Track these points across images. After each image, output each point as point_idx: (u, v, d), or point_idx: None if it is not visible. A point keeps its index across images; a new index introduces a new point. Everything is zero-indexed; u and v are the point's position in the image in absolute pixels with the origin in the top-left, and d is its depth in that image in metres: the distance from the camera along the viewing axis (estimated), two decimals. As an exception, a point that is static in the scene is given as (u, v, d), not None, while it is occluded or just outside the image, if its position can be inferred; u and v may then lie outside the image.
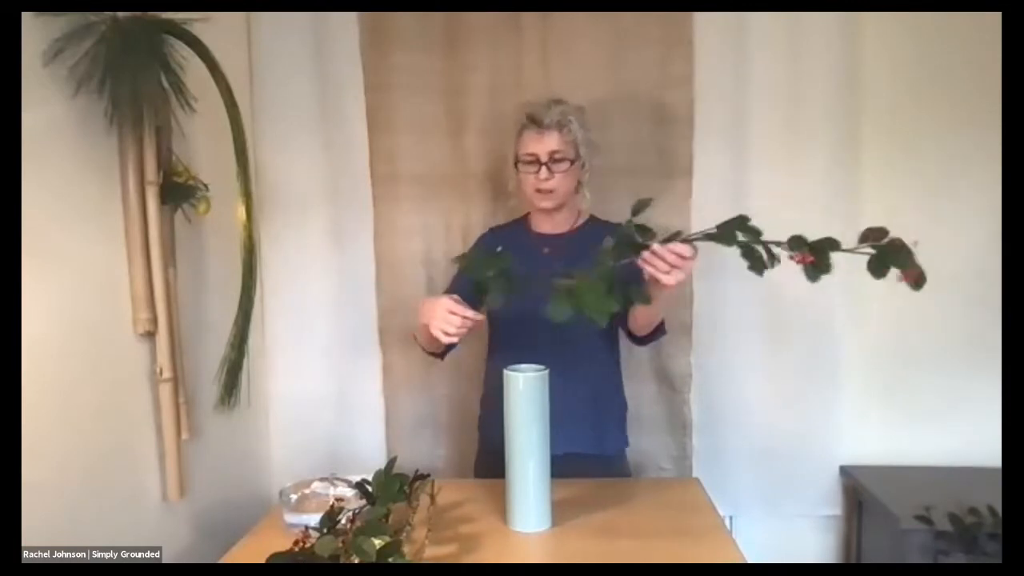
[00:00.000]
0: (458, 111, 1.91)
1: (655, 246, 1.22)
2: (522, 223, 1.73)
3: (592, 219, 1.68)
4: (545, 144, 1.56)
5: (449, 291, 1.51)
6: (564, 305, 1.15)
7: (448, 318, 1.35)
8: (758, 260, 1.13)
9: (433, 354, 1.67)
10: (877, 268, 1.10)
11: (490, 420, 1.71)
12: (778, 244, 1.14)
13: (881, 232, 1.11)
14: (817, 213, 1.83)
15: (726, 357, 1.93)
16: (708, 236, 1.17)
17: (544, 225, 1.67)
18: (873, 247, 1.11)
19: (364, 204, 1.93)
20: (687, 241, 1.21)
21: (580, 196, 1.65)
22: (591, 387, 1.60)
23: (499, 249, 1.38)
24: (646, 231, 1.20)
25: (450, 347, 1.62)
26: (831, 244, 1.12)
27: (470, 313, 1.35)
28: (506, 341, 1.64)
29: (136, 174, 1.30)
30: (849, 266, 1.85)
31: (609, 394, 1.66)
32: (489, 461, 1.70)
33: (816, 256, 1.12)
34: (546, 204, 1.60)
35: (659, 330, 1.61)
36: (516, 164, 1.61)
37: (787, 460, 1.94)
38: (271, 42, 1.88)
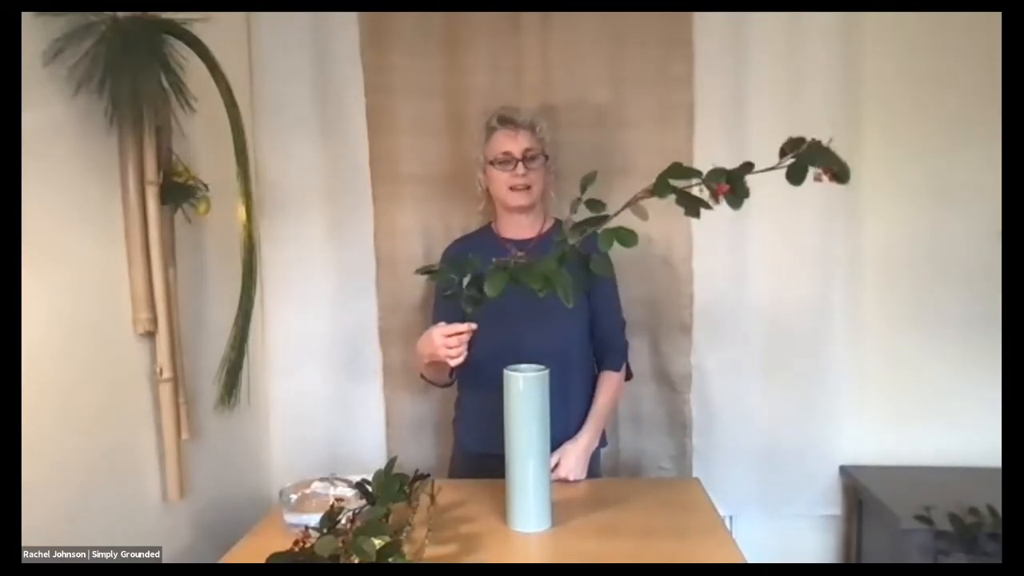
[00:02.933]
0: (458, 111, 1.90)
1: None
2: (488, 230, 1.73)
3: (558, 223, 1.67)
4: (519, 142, 1.60)
5: (434, 318, 1.55)
6: (498, 280, 1.18)
7: (447, 342, 1.41)
8: (693, 203, 1.12)
9: (445, 385, 1.72)
10: (796, 174, 1.04)
11: (464, 423, 1.72)
12: (700, 182, 1.12)
13: (798, 141, 1.06)
14: (816, 212, 1.84)
15: (726, 357, 1.93)
16: (648, 192, 1.18)
17: (511, 230, 1.68)
18: (794, 157, 1.06)
19: (364, 204, 1.93)
20: (633, 202, 1.20)
21: (547, 198, 1.69)
22: (560, 390, 1.50)
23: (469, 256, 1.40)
24: (597, 204, 1.23)
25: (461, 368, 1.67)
26: (746, 168, 1.09)
27: (463, 328, 1.41)
28: (476, 344, 1.63)
29: (136, 174, 1.30)
30: (850, 265, 1.90)
31: (579, 396, 1.64)
32: (465, 463, 1.71)
33: (732, 183, 1.09)
34: (521, 201, 1.61)
35: (627, 376, 1.75)
36: (486, 168, 1.64)
37: (787, 460, 1.94)
38: (271, 42, 1.88)
